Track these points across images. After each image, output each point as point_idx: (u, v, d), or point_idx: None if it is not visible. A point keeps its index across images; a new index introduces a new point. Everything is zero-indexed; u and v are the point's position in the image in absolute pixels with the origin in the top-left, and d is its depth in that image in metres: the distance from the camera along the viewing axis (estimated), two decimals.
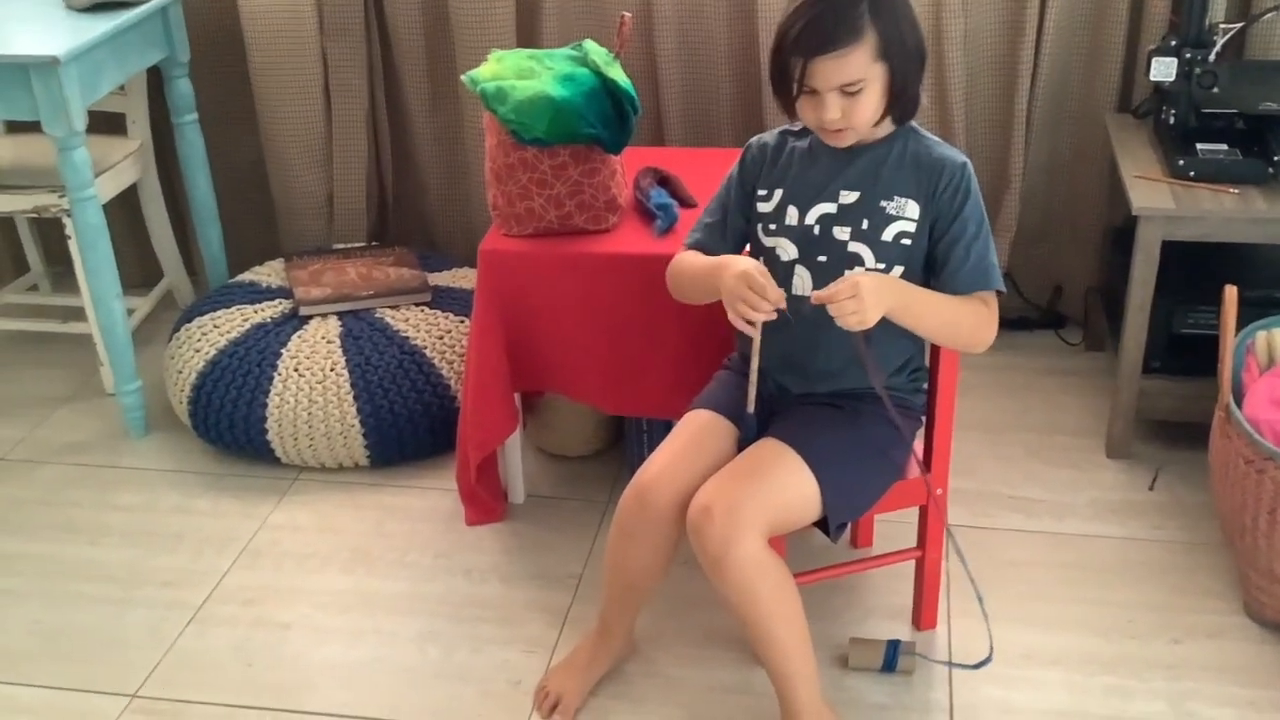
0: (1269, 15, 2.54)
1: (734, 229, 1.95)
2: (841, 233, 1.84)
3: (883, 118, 1.81)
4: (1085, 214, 2.92)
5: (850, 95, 1.74)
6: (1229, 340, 2.11)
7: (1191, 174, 2.39)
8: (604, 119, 2.18)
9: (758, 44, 2.77)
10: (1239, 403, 2.11)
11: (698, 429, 1.91)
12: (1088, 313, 2.96)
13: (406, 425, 2.55)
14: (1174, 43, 2.46)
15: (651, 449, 1.93)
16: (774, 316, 1.74)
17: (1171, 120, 2.51)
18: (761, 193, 1.92)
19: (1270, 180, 2.36)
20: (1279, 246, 2.49)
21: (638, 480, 1.86)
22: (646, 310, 2.21)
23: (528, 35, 2.89)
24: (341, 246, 2.96)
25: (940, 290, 1.81)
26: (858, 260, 1.83)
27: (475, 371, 2.30)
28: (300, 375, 2.55)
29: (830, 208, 1.85)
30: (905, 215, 1.82)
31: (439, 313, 2.71)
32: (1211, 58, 2.42)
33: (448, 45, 2.92)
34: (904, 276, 1.82)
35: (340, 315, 2.69)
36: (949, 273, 1.81)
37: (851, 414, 1.87)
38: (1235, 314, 2.11)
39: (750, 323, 1.75)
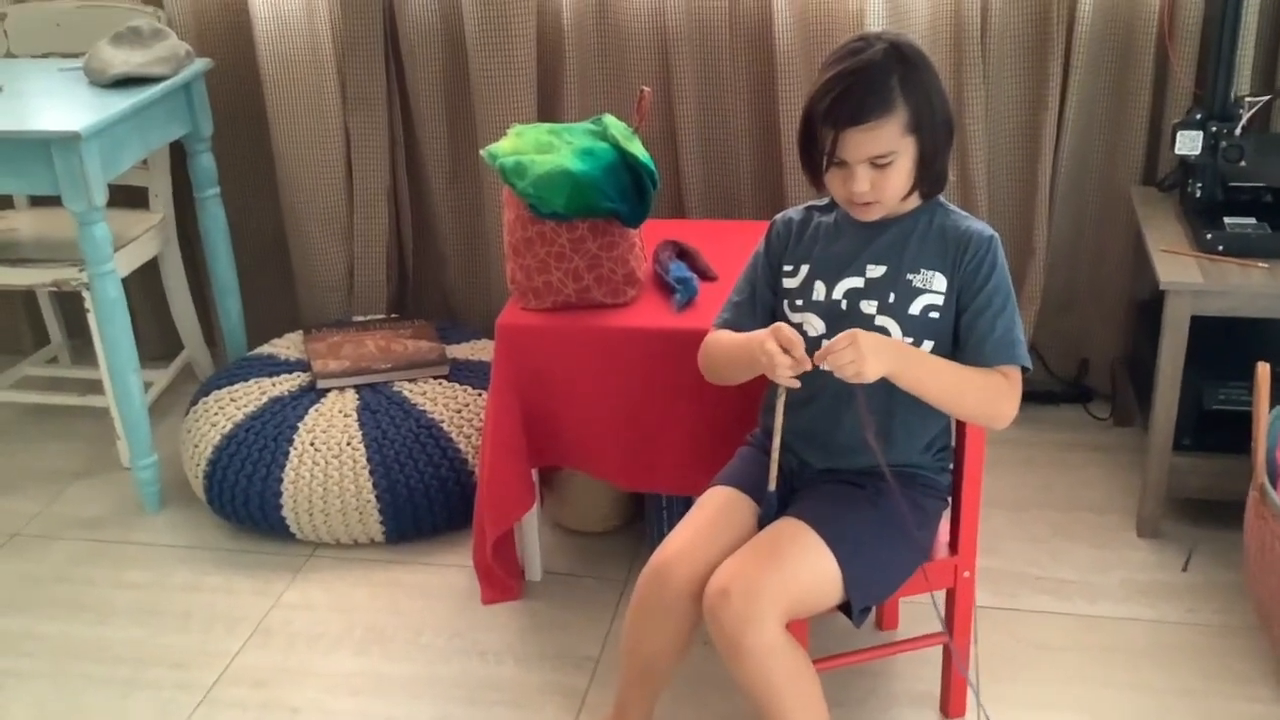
0: None
1: (763, 306, 1.93)
2: (869, 307, 1.81)
3: (910, 191, 1.79)
4: (1111, 286, 2.88)
5: (880, 168, 1.73)
6: (1263, 418, 2.06)
7: (1220, 248, 2.36)
8: (623, 193, 2.17)
9: (778, 117, 2.77)
10: (1274, 483, 2.06)
11: (718, 506, 1.87)
12: (1115, 387, 2.91)
13: (422, 501, 2.52)
14: (1199, 116, 2.44)
15: (672, 526, 1.90)
16: (794, 383, 1.72)
17: (1198, 194, 2.48)
18: (788, 268, 1.90)
19: None
20: None
21: (656, 559, 1.81)
22: (666, 385, 2.19)
23: (549, 109, 2.90)
24: (361, 319, 2.95)
25: (965, 364, 1.78)
26: (885, 335, 1.80)
27: (492, 447, 2.27)
28: (316, 450, 2.52)
29: (857, 282, 1.82)
30: (933, 288, 1.80)
31: (457, 386, 2.68)
32: (1238, 131, 2.39)
33: (469, 118, 2.92)
34: (934, 351, 1.79)
35: (358, 388, 2.67)
36: (973, 345, 1.78)
37: (874, 493, 1.82)
38: (1268, 391, 2.06)
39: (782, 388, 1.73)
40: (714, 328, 1.96)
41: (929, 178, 1.79)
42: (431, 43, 2.89)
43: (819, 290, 1.85)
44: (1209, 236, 2.37)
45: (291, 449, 2.52)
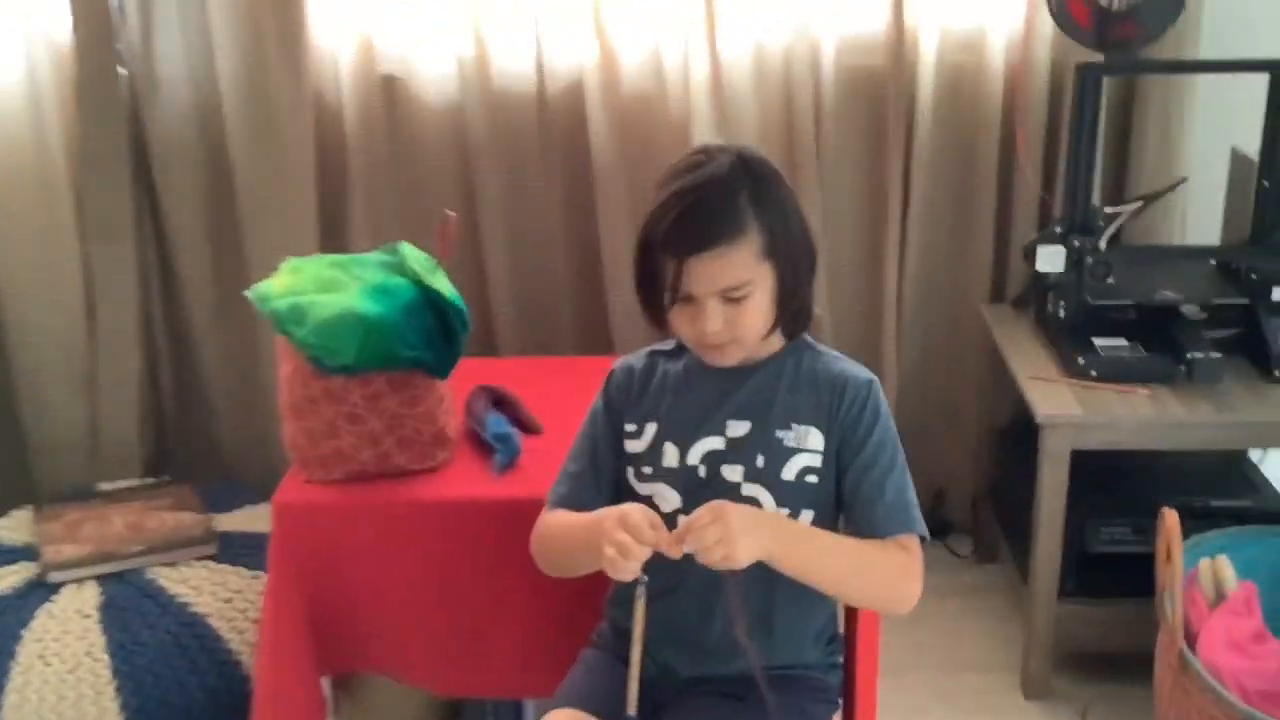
0: (1167, 193, 2.34)
1: (606, 476, 1.58)
2: (733, 473, 1.49)
3: (772, 330, 1.49)
4: (965, 412, 2.66)
5: (734, 301, 1.43)
6: (1176, 573, 1.81)
7: (1093, 373, 2.14)
8: (427, 337, 1.79)
9: (598, 236, 2.46)
10: (1191, 646, 1.80)
11: None
12: (976, 520, 2.67)
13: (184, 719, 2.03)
14: (1059, 230, 2.24)
15: None
16: (630, 575, 1.37)
17: (1061, 313, 2.26)
18: (630, 428, 1.56)
19: (1181, 378, 2.11)
20: (1196, 451, 2.25)
21: None
22: (489, 568, 1.80)
23: (333, 233, 2.51)
24: (108, 488, 2.44)
25: (855, 535, 1.46)
26: (756, 506, 1.47)
27: (269, 656, 1.82)
28: (46, 664, 2.01)
29: (716, 443, 1.50)
30: (807, 446, 1.49)
31: (228, 568, 2.21)
32: (1102, 244, 2.20)
33: (236, 243, 2.50)
34: (815, 523, 1.48)
35: (101, 580, 2.16)
36: (861, 512, 1.48)
37: (759, 709, 1.46)
38: (1180, 540, 1.81)
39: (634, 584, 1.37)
40: (548, 505, 1.59)
41: (791, 311, 1.50)
42: (187, 155, 2.47)
43: (670, 455, 1.52)
44: (1081, 361, 2.15)
45: (13, 665, 2.01)
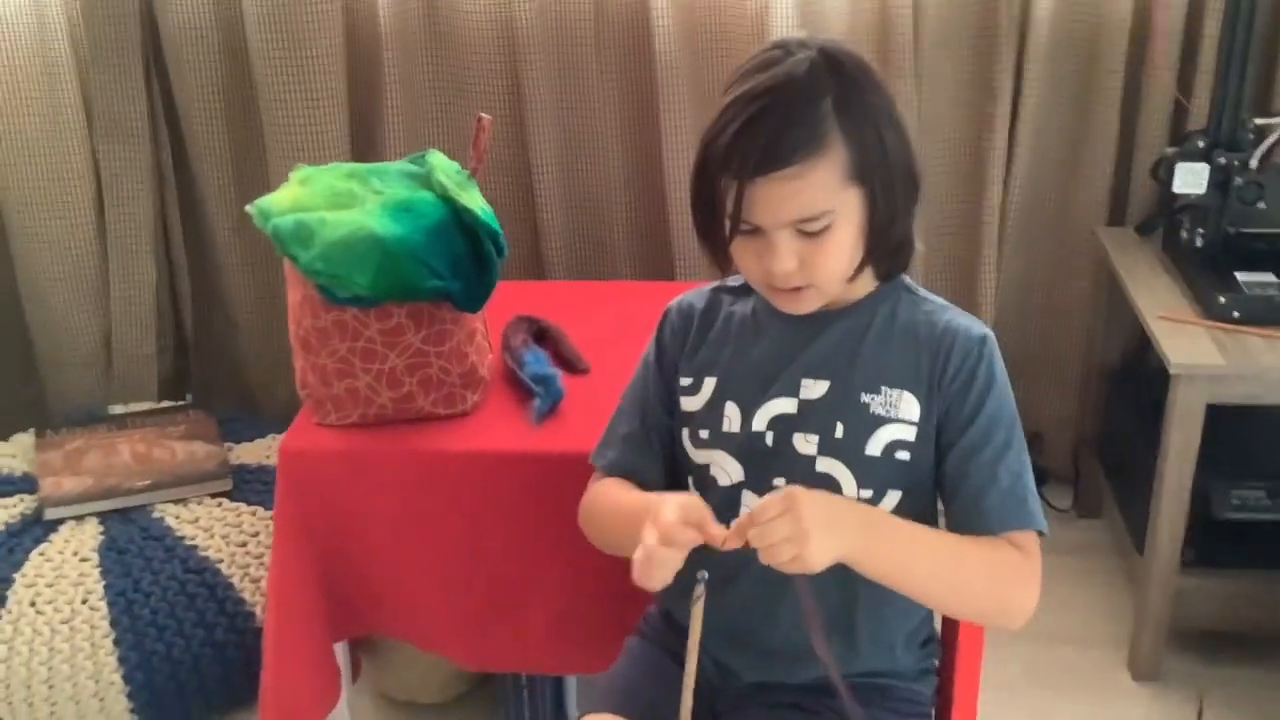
0: None
1: (660, 438, 1.33)
2: (806, 444, 1.22)
3: (859, 270, 1.20)
4: (1070, 348, 2.36)
5: (810, 236, 1.16)
6: None
7: (1236, 314, 1.83)
8: (454, 265, 1.52)
9: (660, 144, 2.17)
10: None
11: None
12: (1078, 471, 2.38)
13: (191, 679, 1.85)
14: (1201, 144, 1.91)
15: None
16: (668, 582, 1.12)
17: (1198, 242, 1.95)
18: (685, 382, 1.30)
19: None
20: None
21: None
22: (523, 530, 1.57)
23: (365, 139, 2.26)
24: (120, 411, 2.24)
25: (956, 530, 1.20)
26: (832, 485, 1.21)
27: (277, 620, 1.61)
28: (39, 612, 1.83)
29: (787, 405, 1.24)
30: (899, 415, 1.21)
31: (243, 506, 2.00)
32: (1253, 163, 1.87)
33: (259, 147, 2.25)
34: (902, 509, 1.21)
35: (102, 517, 1.97)
36: (965, 502, 1.21)
37: None
38: None
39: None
40: (596, 473, 1.35)
41: (885, 248, 1.21)
42: (206, 50, 2.21)
43: (732, 416, 1.26)
44: (1221, 300, 1.84)
45: (3, 612, 1.82)
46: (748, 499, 1.23)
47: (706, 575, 1.13)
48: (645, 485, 1.30)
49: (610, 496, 1.30)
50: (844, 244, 1.17)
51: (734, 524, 1.11)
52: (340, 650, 1.70)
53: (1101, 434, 2.30)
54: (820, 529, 1.08)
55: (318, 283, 1.49)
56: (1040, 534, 1.21)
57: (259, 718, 1.62)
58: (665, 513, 1.12)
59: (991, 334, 1.24)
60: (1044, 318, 2.36)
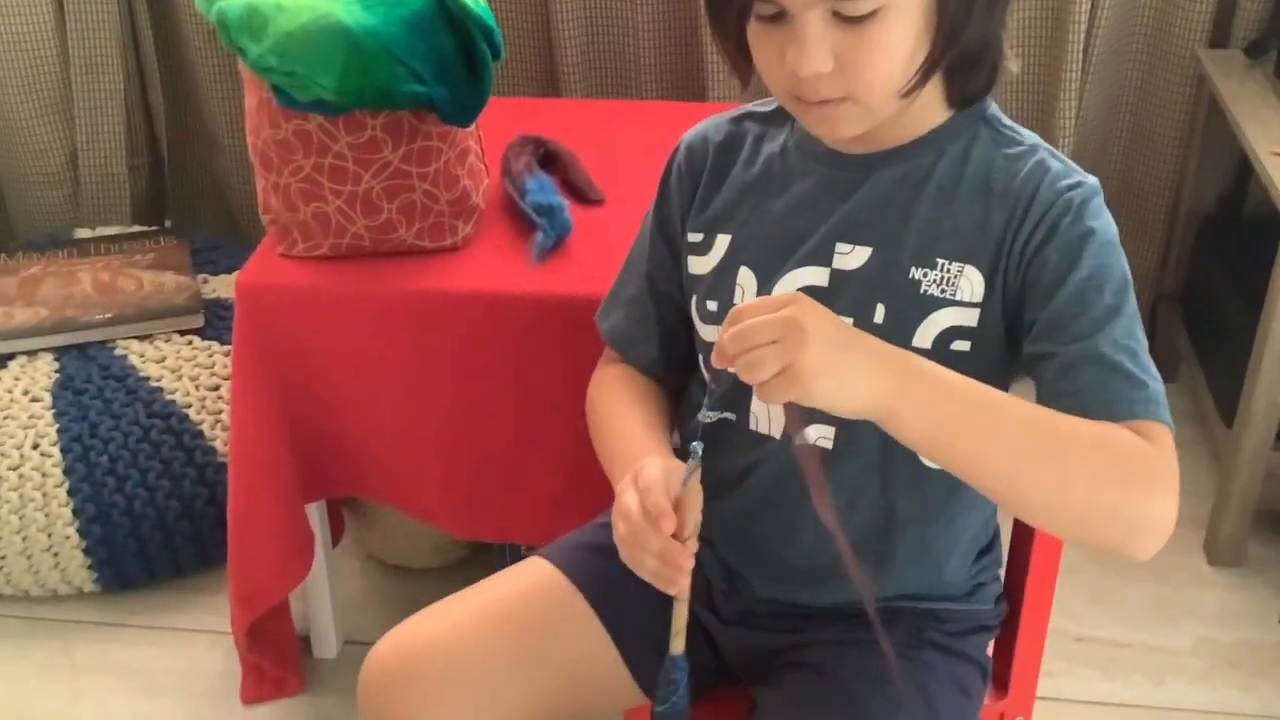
0: None
1: (667, 306, 1.08)
2: None
3: (919, 82, 0.90)
4: (1154, 187, 2.08)
5: (852, 23, 0.85)
6: None
7: None
8: (440, 66, 1.27)
9: None
10: None
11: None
12: (1156, 328, 2.12)
13: (154, 533, 1.67)
14: None
15: None
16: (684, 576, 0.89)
17: None
18: (694, 237, 1.04)
19: None
20: None
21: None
22: (521, 384, 1.35)
23: None
24: (86, 235, 2.02)
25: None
26: None
27: (239, 478, 1.41)
28: None
29: (816, 276, 0.97)
30: (958, 297, 0.93)
31: (215, 346, 1.79)
32: None
33: None
34: None
35: (58, 353, 1.76)
36: (1062, 386, 0.88)
37: (877, 670, 0.96)
38: None
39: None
40: (603, 337, 1.11)
41: (960, 54, 0.90)
42: None
43: (746, 287, 0.99)
44: None
45: None
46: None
47: (701, 447, 0.88)
48: (643, 367, 1.08)
49: (605, 414, 1.07)
50: (898, 39, 0.86)
51: (713, 353, 0.81)
52: (316, 512, 1.51)
53: (1186, 287, 2.05)
54: (825, 342, 0.78)
55: (272, 82, 1.24)
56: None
57: (230, 567, 1.44)
58: (645, 482, 0.90)
59: (1095, 182, 0.94)
60: (1127, 153, 2.08)
